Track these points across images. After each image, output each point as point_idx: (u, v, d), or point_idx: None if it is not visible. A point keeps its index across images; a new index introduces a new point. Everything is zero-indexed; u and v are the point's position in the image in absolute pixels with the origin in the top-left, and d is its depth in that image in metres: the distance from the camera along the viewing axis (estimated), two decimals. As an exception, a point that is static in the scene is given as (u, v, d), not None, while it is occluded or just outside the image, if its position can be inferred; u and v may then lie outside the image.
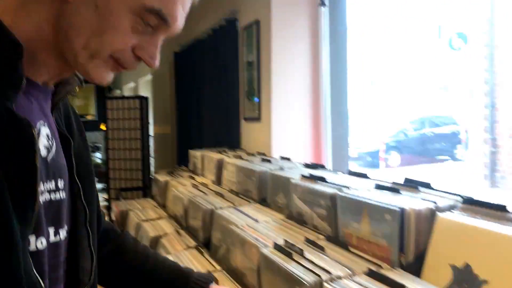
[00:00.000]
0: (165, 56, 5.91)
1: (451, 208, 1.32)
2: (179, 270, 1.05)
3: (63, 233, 0.77)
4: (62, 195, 0.76)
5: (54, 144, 0.75)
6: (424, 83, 20.85)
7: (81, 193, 0.81)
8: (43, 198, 0.70)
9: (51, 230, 0.74)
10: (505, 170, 8.63)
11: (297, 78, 2.91)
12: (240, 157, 2.75)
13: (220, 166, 2.87)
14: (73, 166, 0.80)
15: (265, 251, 1.52)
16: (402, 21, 20.30)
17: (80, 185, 0.81)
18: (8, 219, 0.60)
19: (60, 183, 0.76)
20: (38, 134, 0.71)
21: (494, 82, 8.76)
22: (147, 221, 2.77)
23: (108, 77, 0.73)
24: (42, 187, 0.70)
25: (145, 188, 5.05)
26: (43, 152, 0.72)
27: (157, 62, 0.74)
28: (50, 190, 0.73)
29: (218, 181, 2.85)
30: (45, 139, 0.73)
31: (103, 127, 8.30)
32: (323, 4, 2.74)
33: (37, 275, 0.65)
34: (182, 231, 2.45)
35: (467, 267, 1.16)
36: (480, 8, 8.96)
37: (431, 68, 20.64)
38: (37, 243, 0.69)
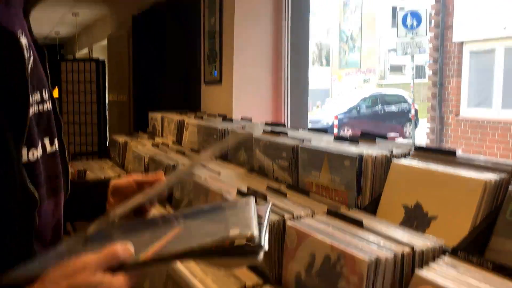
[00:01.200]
0: (122, 20, 5.77)
1: (405, 155, 1.42)
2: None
3: (56, 143, 0.77)
4: (49, 105, 0.75)
5: (32, 54, 0.73)
6: (377, 62, 21.34)
7: (56, 104, 0.80)
8: (32, 110, 0.69)
9: (46, 141, 0.73)
10: (451, 146, 9.09)
11: (259, 42, 2.93)
12: (201, 118, 2.78)
13: (181, 126, 2.88)
14: (49, 77, 0.78)
15: (229, 197, 1.58)
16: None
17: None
18: (1, 131, 0.61)
19: (45, 94, 0.74)
20: None
21: (443, 61, 9.12)
22: (106, 179, 2.76)
23: None
24: (30, 99, 0.69)
25: (101, 152, 4.98)
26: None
27: None
28: (38, 102, 0.72)
29: (179, 141, 2.87)
30: (25, 50, 0.70)
31: (55, 93, 7.99)
32: (286, -32, 2.77)
33: (31, 185, 0.66)
34: (142, 188, 2.47)
35: (418, 205, 1.26)
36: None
37: (385, 47, 21.12)
38: (29, 155, 0.68)
